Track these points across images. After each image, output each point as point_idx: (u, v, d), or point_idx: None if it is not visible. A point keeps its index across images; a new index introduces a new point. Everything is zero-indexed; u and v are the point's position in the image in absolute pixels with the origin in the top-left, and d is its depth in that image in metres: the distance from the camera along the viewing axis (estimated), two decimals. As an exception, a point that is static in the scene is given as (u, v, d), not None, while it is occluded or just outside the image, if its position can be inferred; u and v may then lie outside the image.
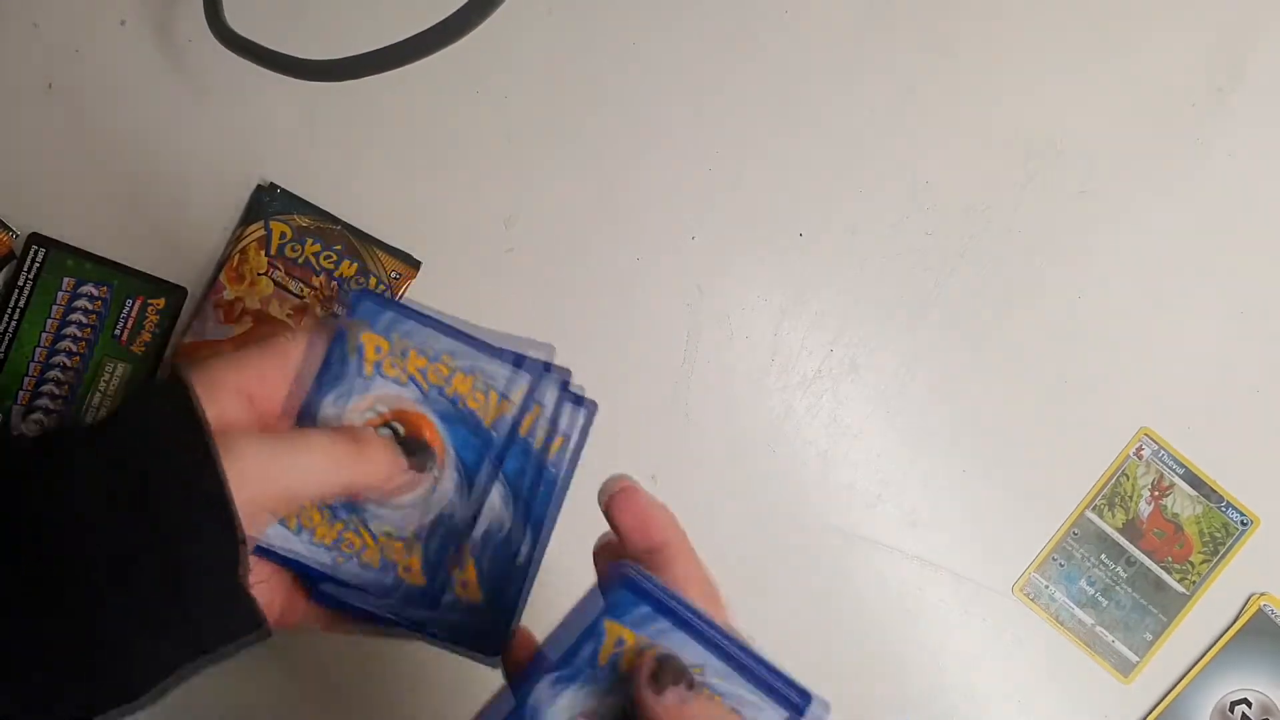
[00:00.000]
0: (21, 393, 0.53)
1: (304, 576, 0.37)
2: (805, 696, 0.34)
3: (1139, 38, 0.58)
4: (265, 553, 0.36)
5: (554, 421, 0.39)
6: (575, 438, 0.39)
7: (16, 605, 0.29)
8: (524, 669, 0.35)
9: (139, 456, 0.31)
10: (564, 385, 0.39)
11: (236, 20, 0.51)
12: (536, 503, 0.38)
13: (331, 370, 0.37)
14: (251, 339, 0.54)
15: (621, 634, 0.34)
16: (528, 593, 0.38)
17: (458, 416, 0.37)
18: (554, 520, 0.38)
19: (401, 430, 0.37)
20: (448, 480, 0.37)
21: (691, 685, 0.33)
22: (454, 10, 0.42)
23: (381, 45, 0.44)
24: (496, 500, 0.38)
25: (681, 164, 0.57)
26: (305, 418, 0.37)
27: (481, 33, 0.42)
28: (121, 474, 0.30)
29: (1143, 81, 0.58)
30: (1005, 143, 0.57)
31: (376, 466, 0.35)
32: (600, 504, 0.37)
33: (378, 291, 0.37)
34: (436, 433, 0.37)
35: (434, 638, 0.37)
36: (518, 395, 0.38)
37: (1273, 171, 0.58)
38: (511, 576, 0.38)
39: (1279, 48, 0.58)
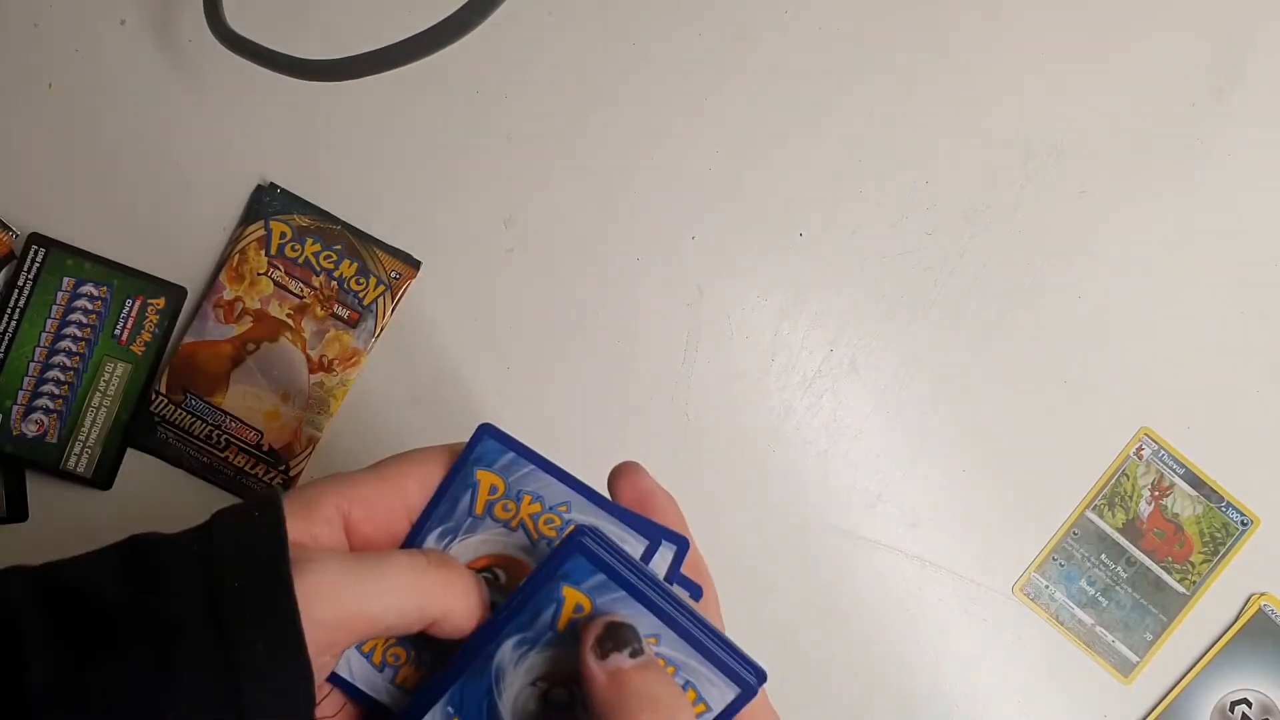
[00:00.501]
0: (21, 393, 0.53)
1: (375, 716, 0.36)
2: (759, 673, 0.34)
3: (1139, 38, 0.58)
4: (344, 685, 0.35)
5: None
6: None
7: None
8: (481, 629, 0.35)
9: (218, 579, 0.30)
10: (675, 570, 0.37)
11: (236, 20, 0.51)
12: None
13: (443, 502, 0.36)
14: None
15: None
16: None
17: None
18: None
19: (503, 578, 0.36)
20: None
21: (635, 654, 0.33)
22: (454, 10, 0.42)
23: (381, 45, 0.44)
24: None
25: (681, 164, 0.57)
26: (412, 545, 0.36)
27: (481, 33, 0.42)
28: (203, 593, 0.30)
29: (1143, 81, 0.58)
30: (1005, 143, 0.57)
31: (461, 600, 0.34)
32: (607, 483, 0.36)
33: (501, 430, 0.36)
34: None
35: None
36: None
37: (1273, 171, 0.58)
38: None
39: (1279, 48, 0.58)
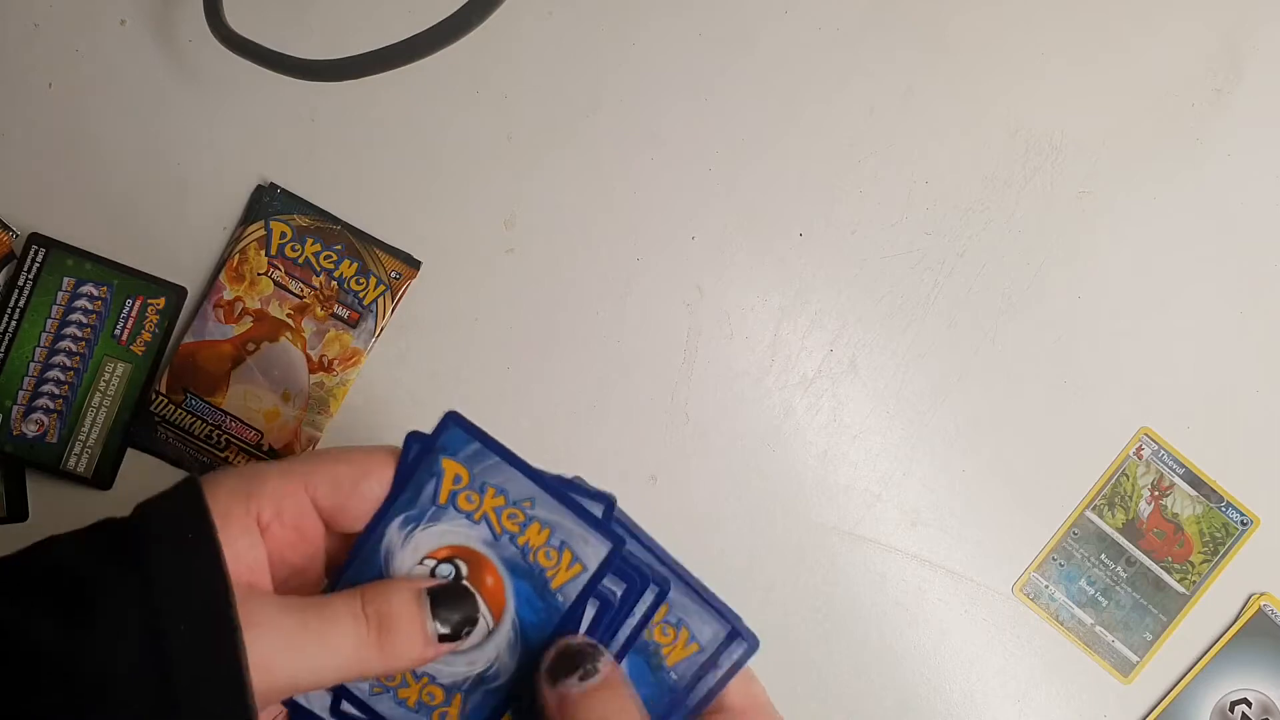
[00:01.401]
0: (21, 393, 0.53)
1: (294, 715, 0.36)
2: (618, 538, 0.35)
3: (1139, 38, 0.58)
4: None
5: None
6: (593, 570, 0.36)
7: None
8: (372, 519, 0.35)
9: (165, 628, 0.30)
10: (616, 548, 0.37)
11: (236, 20, 0.51)
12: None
13: (407, 490, 0.36)
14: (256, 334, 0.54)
15: (458, 471, 0.36)
16: None
17: (525, 570, 0.36)
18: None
19: (465, 571, 0.36)
20: (501, 637, 0.36)
21: (585, 676, 0.33)
22: (454, 10, 0.42)
23: (381, 45, 0.44)
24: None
25: (681, 164, 0.57)
26: (372, 533, 0.35)
27: (481, 33, 0.42)
28: (147, 643, 0.30)
29: (1142, 81, 0.58)
30: (1005, 143, 0.57)
31: (402, 662, 0.34)
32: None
33: (468, 420, 0.36)
34: (500, 582, 0.36)
35: None
36: (592, 562, 0.36)
37: (1272, 171, 0.58)
38: None
39: (1278, 48, 0.58)
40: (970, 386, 0.57)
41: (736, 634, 0.36)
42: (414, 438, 0.36)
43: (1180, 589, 0.57)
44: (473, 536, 0.36)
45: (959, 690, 0.57)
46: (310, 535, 0.35)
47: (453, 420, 0.36)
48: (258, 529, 0.33)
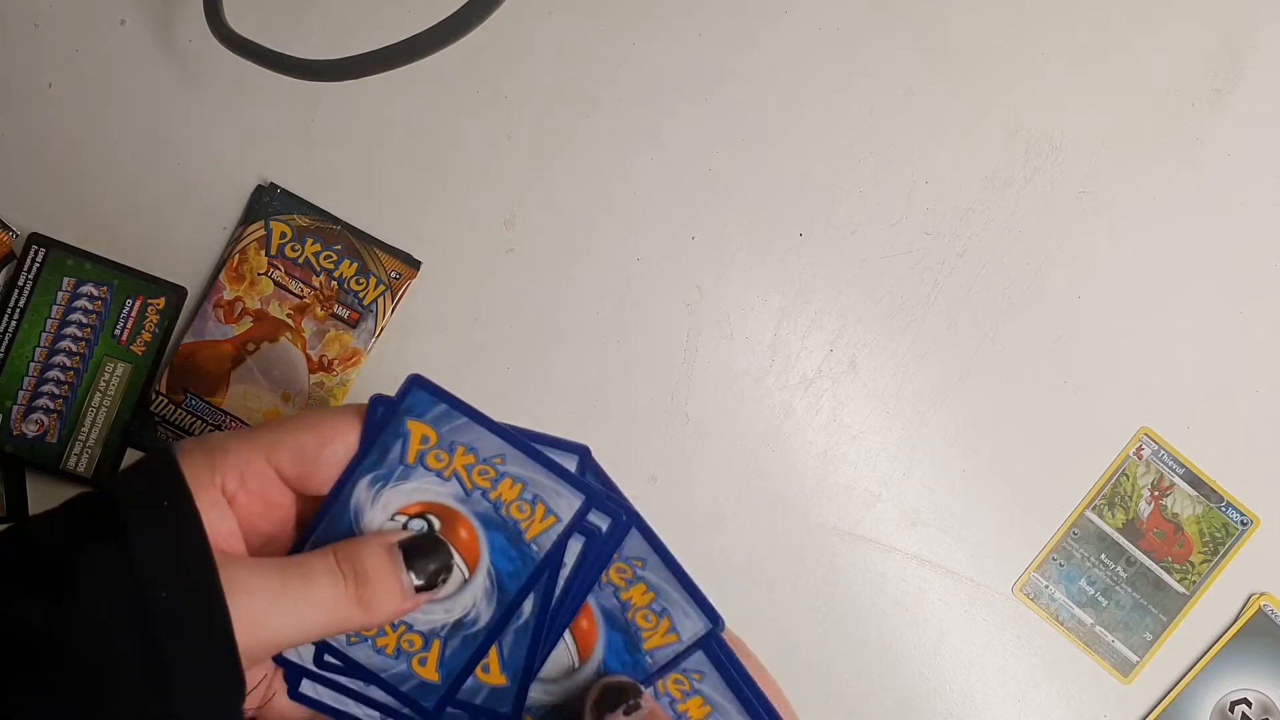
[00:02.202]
0: (21, 393, 0.53)
1: (288, 673, 0.36)
2: (591, 489, 0.36)
3: (1139, 38, 0.58)
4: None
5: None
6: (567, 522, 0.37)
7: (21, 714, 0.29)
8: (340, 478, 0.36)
9: (148, 596, 0.30)
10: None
11: (236, 20, 0.51)
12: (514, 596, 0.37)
13: (373, 451, 0.36)
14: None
15: (425, 432, 0.36)
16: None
17: (498, 523, 0.36)
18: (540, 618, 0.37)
19: (437, 525, 0.36)
20: (477, 585, 0.36)
21: (629, 710, 0.34)
22: (454, 10, 0.42)
23: (381, 45, 0.44)
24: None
25: (681, 164, 0.57)
26: (340, 494, 0.36)
27: (481, 33, 0.42)
28: (130, 612, 0.30)
29: (1142, 81, 0.58)
30: (1005, 143, 0.57)
31: (380, 615, 0.34)
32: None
33: (432, 382, 0.36)
34: (474, 534, 0.36)
35: None
36: (566, 513, 0.36)
37: (1272, 171, 0.58)
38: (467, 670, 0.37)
39: (1278, 48, 0.58)
40: (970, 386, 0.57)
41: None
42: (378, 400, 0.36)
43: (1180, 589, 0.57)
44: (443, 493, 0.36)
45: (959, 690, 0.57)
46: (278, 502, 0.35)
47: (416, 383, 0.36)
48: (224, 500, 0.34)
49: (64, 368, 0.53)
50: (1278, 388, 0.58)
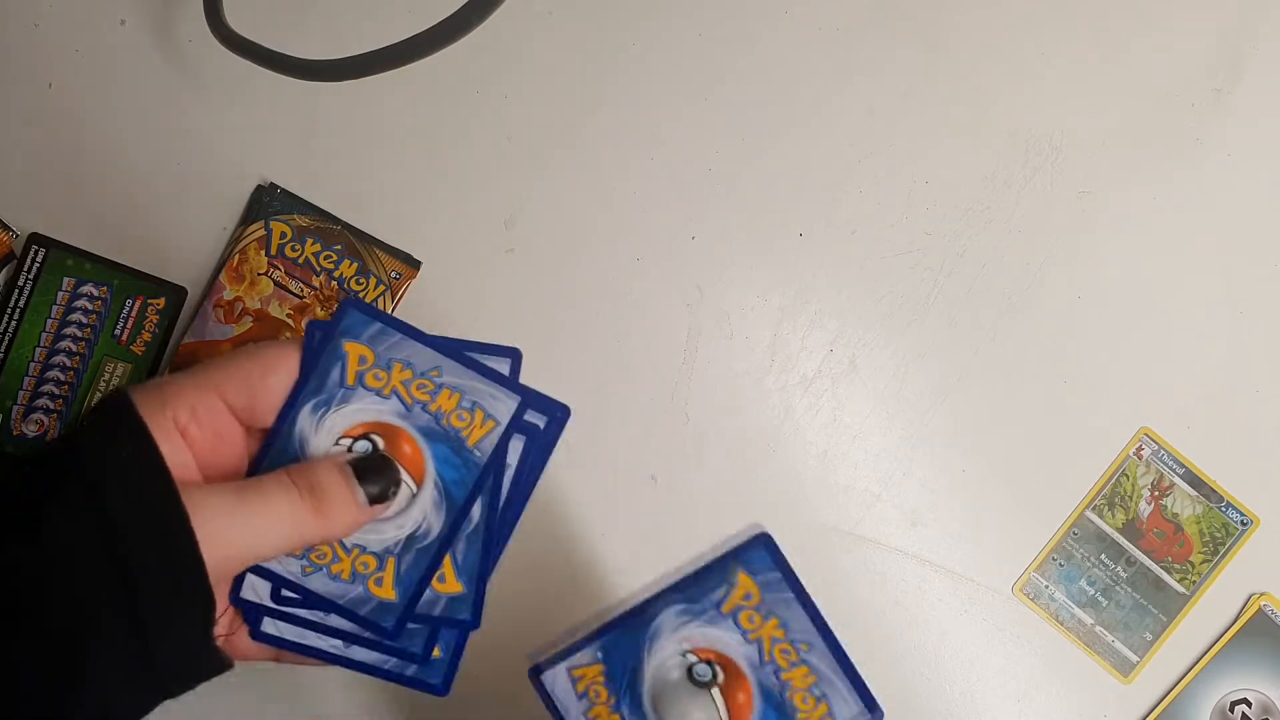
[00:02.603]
0: (21, 393, 0.53)
1: (247, 614, 0.37)
2: (526, 389, 0.37)
3: (1139, 38, 0.58)
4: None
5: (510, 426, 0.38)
6: (504, 424, 0.38)
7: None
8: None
9: (115, 519, 0.31)
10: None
11: (236, 20, 0.51)
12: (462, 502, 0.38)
13: (313, 378, 0.36)
14: (248, 341, 0.54)
15: (362, 352, 0.36)
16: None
17: (440, 434, 0.37)
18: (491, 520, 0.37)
19: (381, 444, 0.37)
20: (426, 498, 0.37)
21: None
22: (454, 10, 0.42)
23: (381, 45, 0.44)
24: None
25: (681, 164, 0.57)
26: (283, 422, 0.36)
27: (481, 33, 0.42)
28: (99, 536, 0.31)
29: (1142, 82, 0.58)
30: (1005, 142, 0.57)
31: (337, 524, 0.35)
32: None
33: (366, 302, 0.37)
34: (417, 448, 0.37)
35: (373, 674, 0.37)
36: (504, 416, 0.37)
37: (1272, 171, 0.58)
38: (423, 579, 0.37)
39: (1278, 49, 0.58)
40: (970, 386, 0.57)
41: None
42: (315, 325, 0.37)
43: (1180, 589, 0.57)
44: (384, 411, 0.37)
45: (959, 690, 0.57)
46: (229, 437, 0.36)
47: (351, 305, 0.37)
48: (178, 433, 0.34)
49: (64, 368, 0.53)
50: (1278, 388, 0.58)
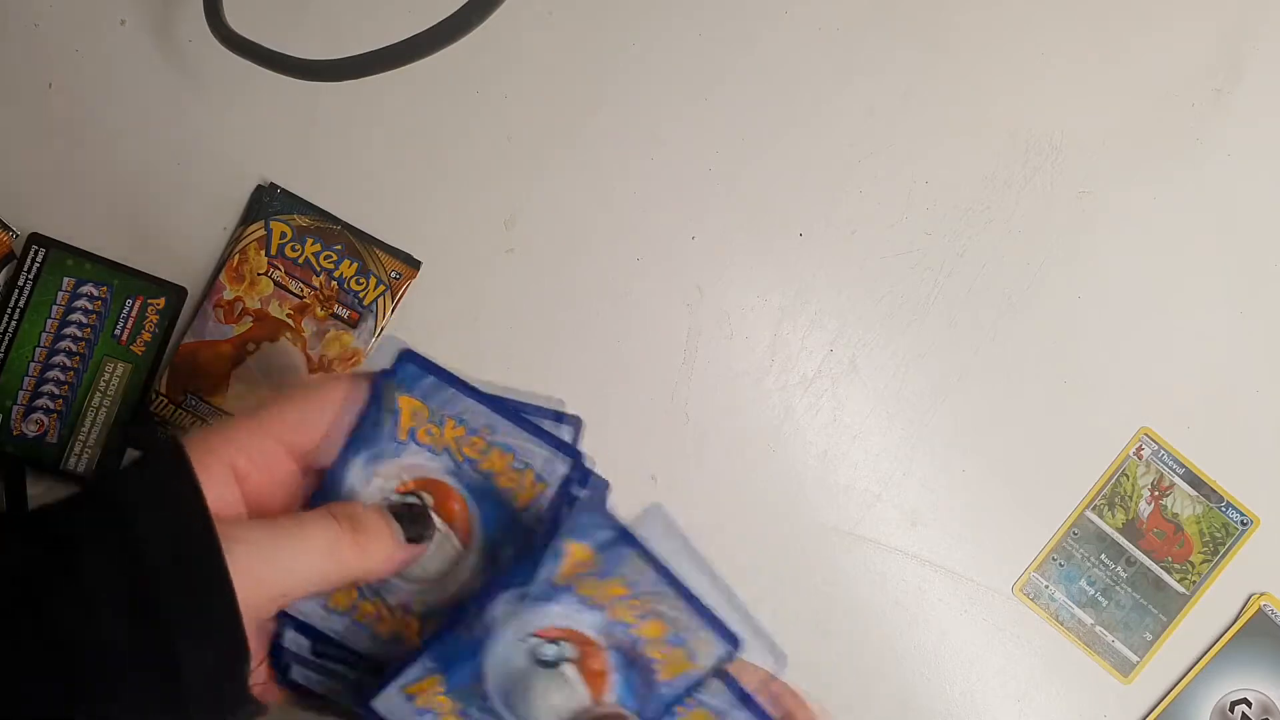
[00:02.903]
0: (21, 393, 0.53)
1: (275, 659, 0.36)
2: (577, 452, 0.37)
3: (1139, 38, 0.58)
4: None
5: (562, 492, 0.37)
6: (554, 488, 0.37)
7: (26, 689, 0.29)
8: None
9: (149, 562, 0.31)
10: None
11: (236, 20, 0.51)
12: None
13: (365, 429, 0.36)
14: (255, 334, 0.54)
15: (416, 407, 0.36)
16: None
17: (489, 493, 0.36)
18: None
19: (430, 501, 0.36)
20: (472, 557, 0.36)
21: None
22: (454, 10, 0.42)
23: (381, 45, 0.44)
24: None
25: (681, 164, 0.57)
26: (333, 475, 0.36)
27: (481, 33, 0.42)
28: (132, 578, 0.30)
29: (1142, 82, 0.58)
30: (1004, 142, 0.57)
31: (377, 561, 0.35)
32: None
33: (422, 355, 0.36)
34: (466, 507, 0.36)
35: None
36: (555, 480, 0.36)
37: (1272, 171, 0.58)
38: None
39: (1278, 49, 0.58)
40: (970, 386, 0.57)
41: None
42: (370, 375, 0.36)
43: (1180, 589, 0.57)
44: (435, 468, 0.36)
45: (959, 690, 0.57)
46: (284, 479, 0.36)
47: (407, 357, 0.36)
48: (234, 478, 0.34)
49: (64, 368, 0.53)
50: (1278, 388, 0.58)
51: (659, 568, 0.35)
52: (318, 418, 0.36)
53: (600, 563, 0.34)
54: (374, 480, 0.36)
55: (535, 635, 0.35)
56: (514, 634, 0.34)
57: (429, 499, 0.36)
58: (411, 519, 0.35)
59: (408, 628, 0.36)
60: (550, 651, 0.35)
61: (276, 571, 0.33)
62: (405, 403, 0.36)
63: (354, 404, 0.36)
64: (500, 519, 0.36)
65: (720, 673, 0.35)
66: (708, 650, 0.35)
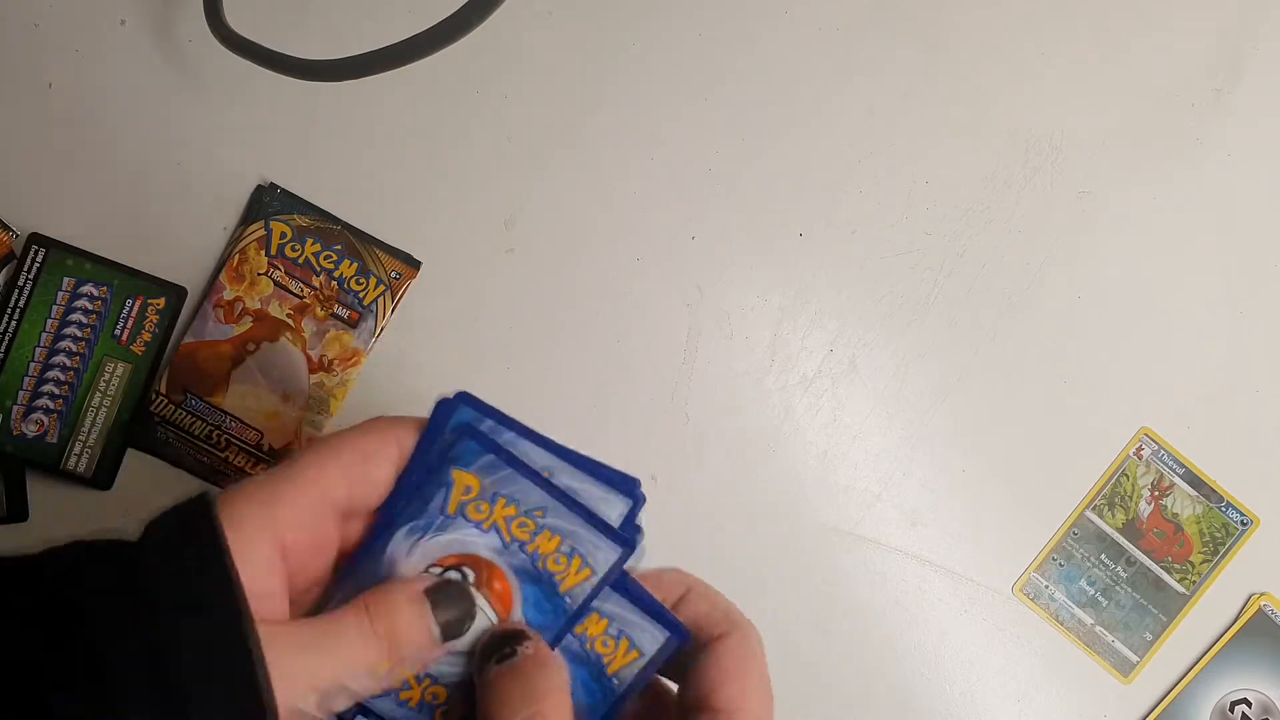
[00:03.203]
0: (21, 393, 0.53)
1: None
2: (632, 538, 0.36)
3: (1139, 38, 0.58)
4: None
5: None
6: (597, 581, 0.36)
7: None
8: (375, 520, 0.35)
9: (182, 677, 0.29)
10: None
11: (236, 20, 0.51)
12: None
13: (414, 500, 0.35)
14: (256, 336, 0.54)
15: (469, 482, 0.35)
16: None
17: (534, 576, 0.36)
18: None
19: (472, 577, 0.36)
20: None
21: (502, 660, 0.34)
22: (454, 10, 0.42)
23: (381, 45, 0.44)
24: None
25: (681, 164, 0.57)
26: (373, 544, 0.35)
27: (481, 33, 0.42)
28: (164, 693, 0.29)
29: (1142, 82, 0.58)
30: (1004, 142, 0.57)
31: (410, 664, 0.34)
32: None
33: (481, 429, 0.35)
34: (508, 586, 0.36)
35: None
36: (602, 567, 0.36)
37: (1272, 171, 0.58)
38: None
39: (1278, 49, 0.58)
40: (970, 386, 0.57)
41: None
42: (467, 432, 0.35)
43: (1180, 589, 0.57)
44: (480, 545, 0.36)
45: (959, 690, 0.57)
46: (325, 546, 0.35)
47: (467, 433, 0.35)
48: (279, 554, 0.33)
49: (64, 368, 0.53)
50: (1278, 388, 0.58)
51: (541, 483, 0.35)
52: (362, 468, 0.34)
53: (484, 486, 0.35)
54: (416, 552, 0.35)
55: (435, 565, 0.35)
56: (414, 568, 0.35)
57: (471, 574, 0.36)
58: (451, 601, 0.34)
59: (436, 697, 0.36)
60: (452, 577, 0.35)
61: (312, 678, 0.31)
62: (459, 476, 0.35)
63: (406, 448, 0.35)
64: (542, 602, 0.36)
65: (619, 577, 0.36)
66: (603, 557, 0.35)
